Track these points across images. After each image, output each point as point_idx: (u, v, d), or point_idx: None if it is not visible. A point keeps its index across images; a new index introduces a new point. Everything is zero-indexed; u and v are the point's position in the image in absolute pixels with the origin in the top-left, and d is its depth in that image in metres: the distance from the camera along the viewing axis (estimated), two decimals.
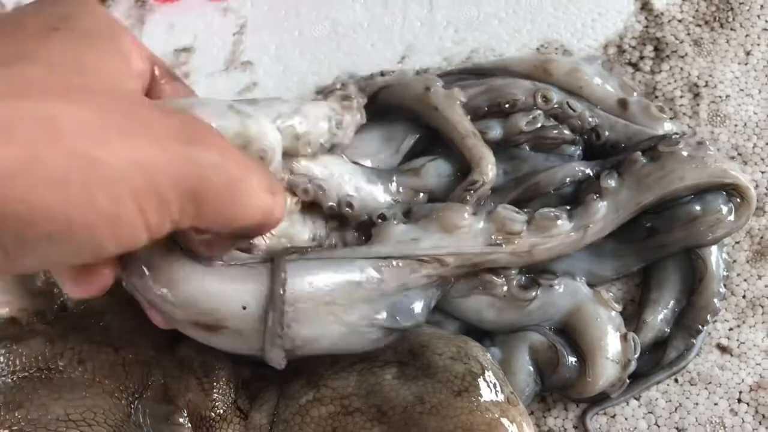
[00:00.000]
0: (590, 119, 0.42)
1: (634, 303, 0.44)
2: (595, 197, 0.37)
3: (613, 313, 0.39)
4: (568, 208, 0.38)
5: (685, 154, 0.39)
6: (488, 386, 0.37)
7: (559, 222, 0.36)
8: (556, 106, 0.42)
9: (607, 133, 0.42)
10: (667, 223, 0.41)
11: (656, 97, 0.49)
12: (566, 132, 0.42)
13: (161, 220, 0.24)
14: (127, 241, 0.24)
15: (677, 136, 0.41)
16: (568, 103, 0.42)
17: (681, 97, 0.49)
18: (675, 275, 0.43)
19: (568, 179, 0.40)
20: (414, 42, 0.52)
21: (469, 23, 0.52)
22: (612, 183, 0.38)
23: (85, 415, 0.39)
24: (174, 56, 0.54)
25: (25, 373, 0.39)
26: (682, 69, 0.49)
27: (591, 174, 0.40)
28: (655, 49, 0.50)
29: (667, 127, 0.44)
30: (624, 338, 0.39)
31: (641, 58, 0.50)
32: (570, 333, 0.39)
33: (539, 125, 0.41)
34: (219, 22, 0.54)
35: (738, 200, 0.40)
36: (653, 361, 0.42)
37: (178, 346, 0.40)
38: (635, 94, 0.44)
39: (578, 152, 0.43)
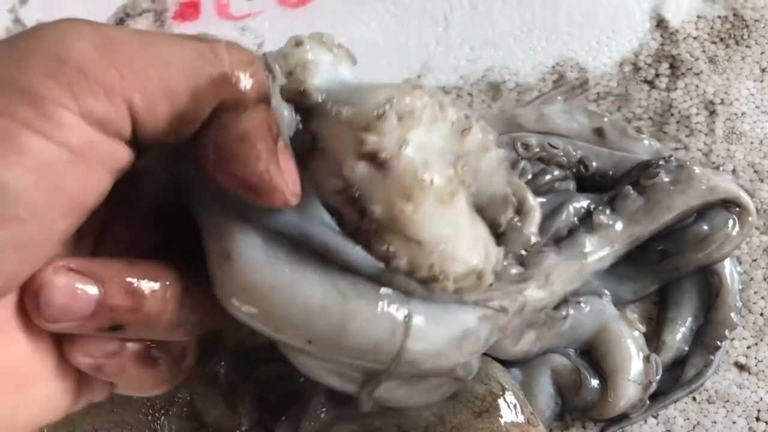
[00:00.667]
0: (574, 152, 0.44)
1: (652, 321, 0.44)
2: (582, 231, 0.38)
3: (637, 333, 0.40)
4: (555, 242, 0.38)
5: (666, 181, 0.39)
6: (508, 407, 0.37)
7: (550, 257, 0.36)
8: (537, 149, 0.43)
9: (594, 163, 0.43)
10: (678, 246, 0.41)
11: (672, 114, 0.49)
12: (556, 172, 0.43)
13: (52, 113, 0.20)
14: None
15: (660, 163, 0.41)
16: (549, 143, 0.43)
17: (697, 114, 0.49)
18: (691, 293, 0.43)
19: (575, 218, 0.40)
20: (429, 60, 0.52)
21: (484, 41, 0.52)
22: (603, 219, 0.38)
23: (113, 431, 0.39)
24: None
25: None
26: (697, 86, 0.50)
27: (591, 208, 0.40)
28: (671, 66, 0.50)
29: (647, 145, 0.44)
30: (647, 360, 0.39)
31: (657, 75, 0.50)
32: (593, 353, 0.40)
33: (530, 176, 0.42)
34: (237, 41, 0.55)
35: (737, 210, 0.40)
36: (672, 380, 0.42)
37: (206, 362, 0.41)
38: (606, 119, 0.45)
39: (573, 186, 0.44)
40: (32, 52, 0.20)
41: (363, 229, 0.24)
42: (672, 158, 0.41)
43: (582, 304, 0.39)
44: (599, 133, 0.45)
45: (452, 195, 0.25)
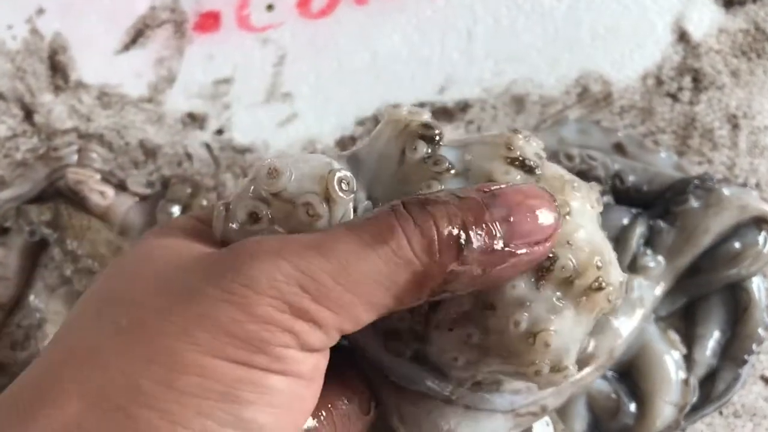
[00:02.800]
0: (612, 165, 0.44)
1: (680, 335, 0.44)
2: (630, 275, 0.38)
3: (677, 354, 0.40)
4: None
5: (697, 206, 0.40)
6: (540, 423, 0.38)
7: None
8: (578, 161, 0.43)
9: (630, 177, 0.44)
10: (710, 263, 0.42)
11: (695, 128, 0.49)
12: (598, 188, 0.43)
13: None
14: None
15: (688, 189, 0.41)
16: (588, 155, 0.43)
17: (720, 128, 0.49)
18: (719, 308, 0.44)
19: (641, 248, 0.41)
20: (453, 73, 0.52)
21: (508, 54, 0.52)
22: (646, 260, 0.39)
23: None
24: (214, 88, 0.54)
25: None
26: (720, 100, 0.50)
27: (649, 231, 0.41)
28: (694, 80, 0.51)
29: (665, 157, 0.45)
30: (685, 383, 0.40)
31: (680, 89, 0.50)
32: (632, 372, 0.40)
33: None
34: (259, 54, 0.54)
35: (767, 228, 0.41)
36: (703, 395, 0.42)
37: None
38: (620, 133, 0.45)
39: (611, 200, 0.44)
40: (251, 302, 0.22)
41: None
42: (704, 179, 0.42)
43: None
44: (619, 148, 0.46)
45: (594, 205, 0.27)
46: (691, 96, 0.50)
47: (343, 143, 0.52)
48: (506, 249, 0.23)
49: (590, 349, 0.33)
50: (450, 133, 0.51)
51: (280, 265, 0.22)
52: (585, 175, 0.43)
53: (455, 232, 0.23)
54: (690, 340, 0.44)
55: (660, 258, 0.40)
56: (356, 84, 0.52)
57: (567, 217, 0.25)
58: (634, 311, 0.37)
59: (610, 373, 0.40)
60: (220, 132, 0.53)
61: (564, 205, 0.25)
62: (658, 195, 0.43)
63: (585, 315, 0.25)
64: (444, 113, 0.52)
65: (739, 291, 0.43)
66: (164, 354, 0.21)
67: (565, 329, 0.24)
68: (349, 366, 0.28)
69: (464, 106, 0.51)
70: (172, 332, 0.21)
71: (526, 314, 0.24)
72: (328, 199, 0.25)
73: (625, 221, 0.41)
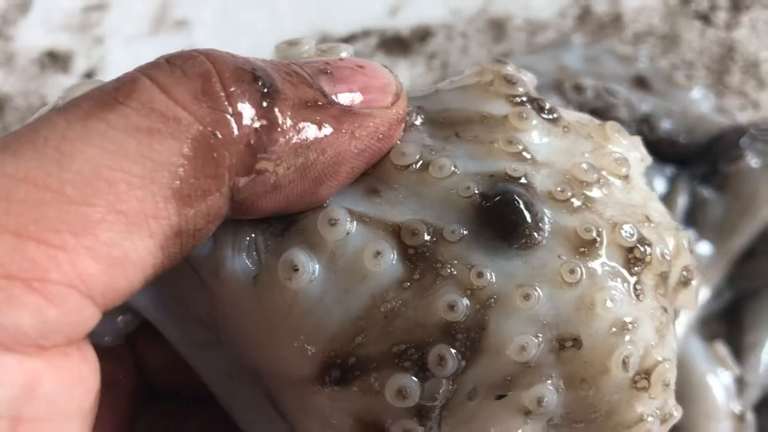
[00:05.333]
0: (638, 105, 0.37)
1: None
2: None
3: (728, 376, 0.31)
4: None
5: (755, 165, 0.34)
6: None
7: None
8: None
9: (663, 123, 0.36)
10: None
11: (734, 60, 0.42)
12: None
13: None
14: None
15: (743, 141, 0.35)
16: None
17: (767, 60, 0.42)
18: None
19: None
20: None
21: None
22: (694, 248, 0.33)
23: None
24: (83, 16, 0.47)
25: None
26: (767, 22, 0.43)
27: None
28: None
29: (700, 96, 0.39)
30: (740, 419, 0.31)
31: (713, 8, 0.44)
32: None
33: None
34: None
35: None
36: (759, 427, 0.33)
37: None
38: (641, 63, 0.41)
39: None
40: None
41: None
42: (764, 128, 0.34)
43: None
44: (641, 82, 0.39)
45: (644, 156, 0.23)
46: (729, 18, 0.44)
47: None
48: (334, 103, 0.17)
49: None
50: (405, 71, 0.44)
51: None
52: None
53: (246, 67, 0.17)
54: (737, 351, 0.35)
55: (704, 240, 0.32)
56: (276, 6, 0.45)
57: (629, 178, 0.19)
58: (677, 319, 0.28)
59: None
60: (89, 76, 0.47)
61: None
62: (701, 150, 0.34)
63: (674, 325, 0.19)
64: (397, 44, 0.45)
65: None
66: None
67: (672, 352, 0.18)
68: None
69: (424, 35, 0.45)
70: None
71: (630, 343, 0.16)
72: None
73: (660, 188, 0.34)
